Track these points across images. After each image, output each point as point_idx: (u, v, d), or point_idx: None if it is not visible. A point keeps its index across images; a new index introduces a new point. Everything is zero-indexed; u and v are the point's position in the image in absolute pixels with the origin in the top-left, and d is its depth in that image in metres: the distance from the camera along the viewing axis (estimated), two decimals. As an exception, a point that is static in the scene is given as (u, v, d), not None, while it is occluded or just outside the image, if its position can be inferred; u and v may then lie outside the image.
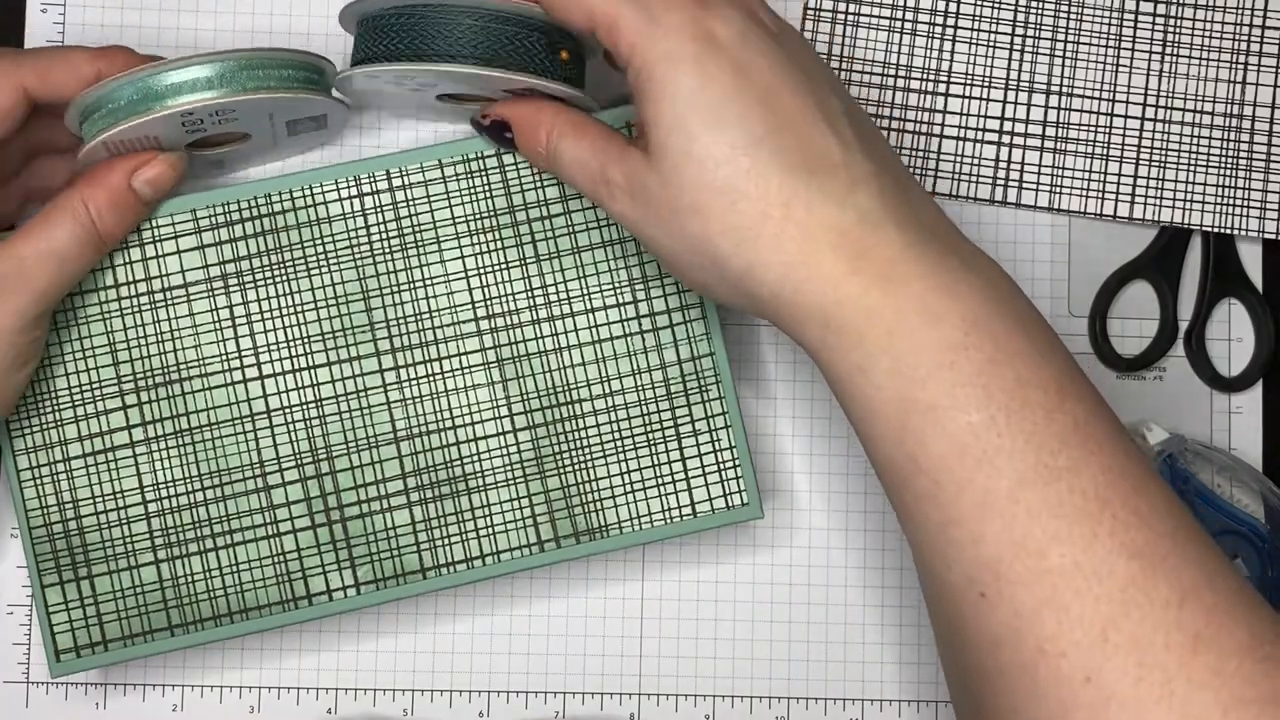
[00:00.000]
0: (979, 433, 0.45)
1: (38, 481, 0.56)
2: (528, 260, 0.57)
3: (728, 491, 0.57)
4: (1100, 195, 0.62)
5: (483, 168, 0.57)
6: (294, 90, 0.54)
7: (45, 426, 0.56)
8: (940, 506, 0.46)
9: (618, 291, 0.57)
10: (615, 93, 0.59)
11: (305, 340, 0.56)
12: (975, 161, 0.62)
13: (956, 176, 0.62)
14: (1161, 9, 0.62)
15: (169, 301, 0.56)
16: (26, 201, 0.58)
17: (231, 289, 0.56)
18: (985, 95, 0.62)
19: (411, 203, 0.57)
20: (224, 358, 0.56)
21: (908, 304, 0.46)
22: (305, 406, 0.56)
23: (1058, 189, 0.62)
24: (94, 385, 0.56)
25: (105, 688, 0.60)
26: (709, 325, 0.57)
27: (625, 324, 0.57)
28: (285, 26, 0.62)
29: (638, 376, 0.57)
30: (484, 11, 0.53)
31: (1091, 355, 0.62)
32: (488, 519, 0.57)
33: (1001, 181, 0.62)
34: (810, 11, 0.62)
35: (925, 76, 0.62)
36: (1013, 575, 0.45)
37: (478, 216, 0.57)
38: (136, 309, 0.56)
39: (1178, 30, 0.62)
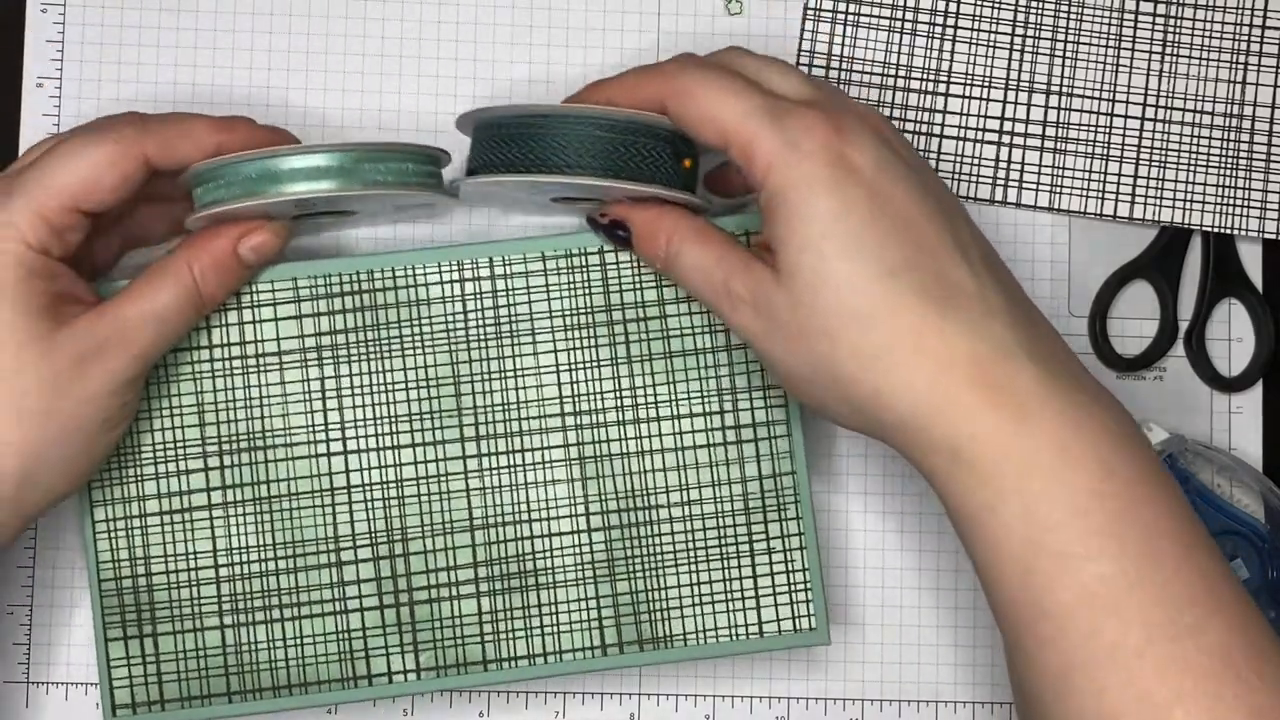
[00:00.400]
0: (1109, 582, 0.45)
1: (111, 535, 0.56)
2: (619, 360, 0.57)
3: (796, 614, 0.57)
4: (1100, 195, 0.62)
5: (584, 264, 0.57)
6: (410, 187, 0.54)
7: (125, 481, 0.56)
8: (1063, 654, 0.45)
9: (705, 401, 0.57)
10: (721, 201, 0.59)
11: (392, 419, 0.56)
12: (975, 161, 0.62)
13: (956, 176, 0.62)
14: (1161, 9, 0.62)
15: (261, 368, 0.56)
16: (124, 249, 0.58)
17: (325, 361, 0.56)
18: (985, 95, 0.62)
19: (510, 292, 0.57)
20: (310, 429, 0.56)
21: (1043, 444, 0.46)
22: (385, 486, 0.56)
23: (1058, 189, 0.62)
24: (178, 445, 0.56)
25: None
26: (793, 444, 0.57)
27: (710, 434, 0.57)
28: (285, 27, 0.62)
29: (717, 488, 0.57)
30: (609, 122, 0.53)
31: (1091, 355, 0.62)
32: (554, 617, 0.56)
33: (1001, 181, 0.62)
34: (810, 11, 0.62)
35: (925, 76, 0.62)
36: None
37: (574, 312, 0.57)
38: (229, 372, 0.56)
39: (1178, 30, 0.62)
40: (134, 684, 0.56)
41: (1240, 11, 0.62)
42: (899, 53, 0.62)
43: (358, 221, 0.60)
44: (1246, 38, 0.62)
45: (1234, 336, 0.63)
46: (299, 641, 0.56)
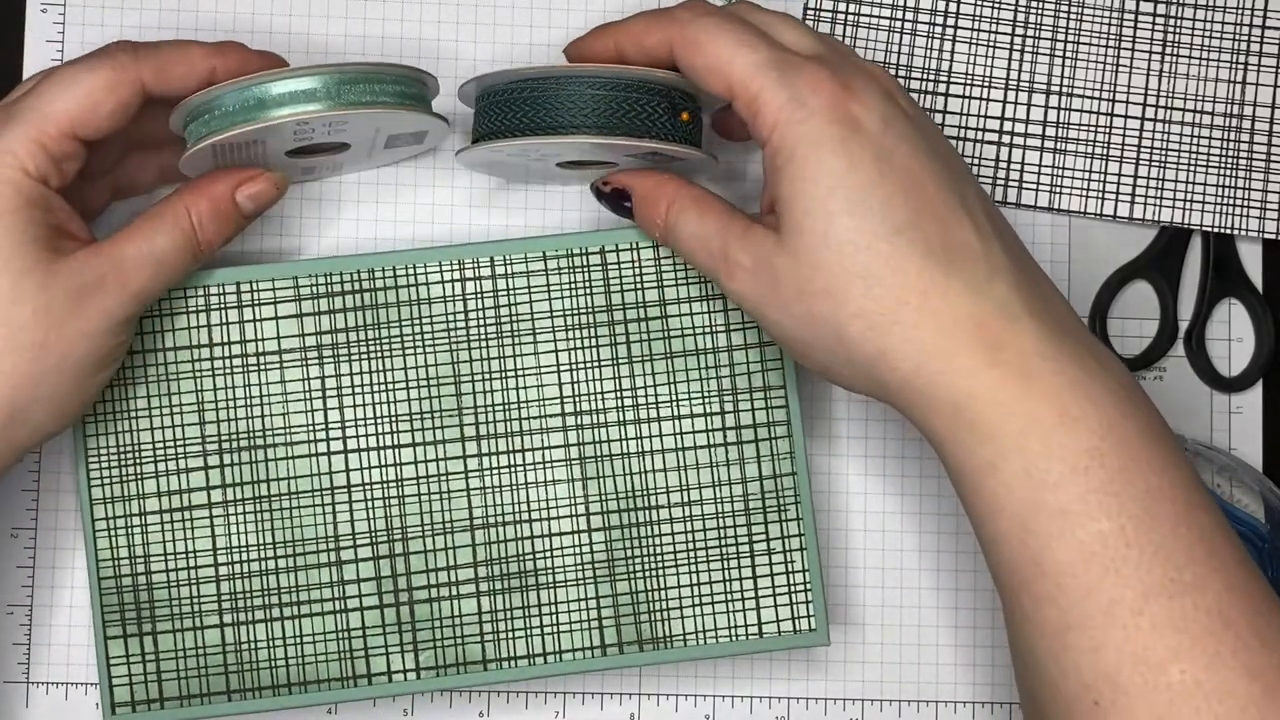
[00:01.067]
0: (1108, 541, 0.45)
1: (111, 534, 0.56)
2: (620, 360, 0.57)
3: (796, 615, 0.57)
4: (1100, 195, 0.62)
5: (585, 263, 0.57)
6: (406, 107, 0.54)
7: (125, 479, 0.56)
8: (1061, 611, 0.46)
9: (706, 401, 0.57)
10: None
11: (392, 419, 0.56)
12: (975, 161, 0.62)
13: None
14: (1161, 9, 0.62)
15: (262, 367, 0.56)
16: (113, 197, 0.58)
17: (325, 360, 0.56)
18: (985, 95, 0.62)
19: (512, 291, 0.57)
20: (310, 428, 0.56)
21: (1045, 403, 0.46)
22: (385, 485, 0.56)
23: (1058, 189, 0.62)
24: (178, 443, 0.56)
25: None
26: (793, 444, 0.57)
27: (710, 434, 0.57)
28: (285, 27, 0.62)
29: (717, 489, 0.57)
30: (605, 80, 0.53)
31: None
32: (554, 617, 0.56)
33: (1001, 181, 0.62)
34: (810, 11, 0.62)
35: (925, 76, 0.62)
36: (1131, 687, 0.45)
37: (575, 312, 0.57)
38: (229, 370, 0.56)
39: (1178, 30, 0.62)
40: (133, 682, 0.56)
41: (1240, 11, 0.62)
42: (898, 52, 0.62)
43: (346, 163, 0.59)
44: (1246, 38, 0.62)
45: (1234, 336, 0.63)
46: (298, 640, 0.56)
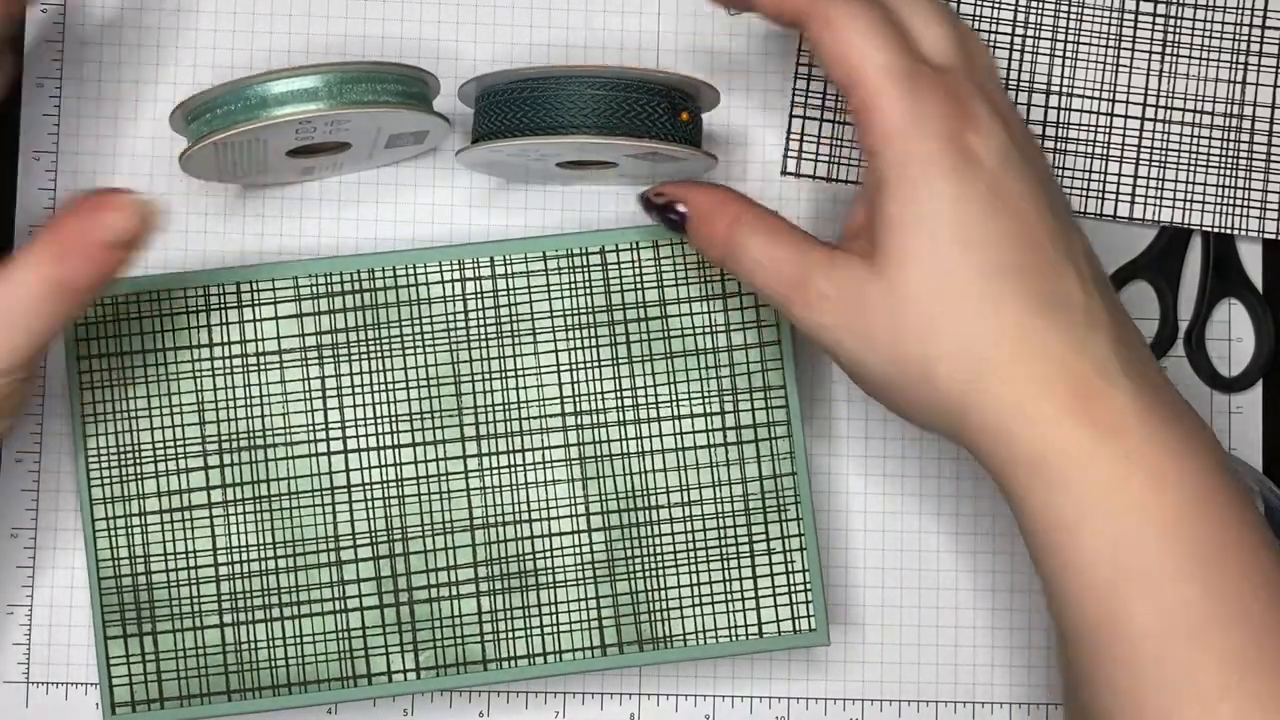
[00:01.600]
0: (1191, 608, 0.44)
1: (111, 534, 0.56)
2: (620, 360, 0.57)
3: (796, 615, 0.57)
4: (1100, 195, 0.62)
5: (585, 264, 0.57)
6: (408, 106, 0.54)
7: (125, 479, 0.56)
8: (1136, 676, 0.45)
9: (706, 401, 0.57)
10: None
11: (393, 419, 0.56)
12: None
13: None
14: (1161, 9, 0.62)
15: (262, 367, 0.56)
16: None
17: (325, 360, 0.56)
18: None
19: (511, 291, 0.57)
20: (310, 428, 0.56)
21: (1136, 466, 0.45)
22: (385, 485, 0.56)
23: None
24: (178, 443, 0.56)
25: None
26: (793, 445, 0.57)
27: (710, 434, 0.57)
28: (285, 27, 0.62)
29: (717, 489, 0.57)
30: (604, 80, 0.53)
31: None
32: (554, 617, 0.56)
33: None
34: None
35: None
36: None
37: (575, 312, 0.57)
38: (229, 371, 0.56)
39: (1178, 30, 0.62)
40: (133, 682, 0.56)
41: (1240, 11, 0.62)
42: None
43: (345, 163, 0.59)
44: (1246, 38, 0.62)
45: (1234, 336, 0.63)
46: (299, 640, 0.56)
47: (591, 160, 0.57)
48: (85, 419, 0.56)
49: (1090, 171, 0.62)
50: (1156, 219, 0.62)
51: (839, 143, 0.61)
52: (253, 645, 0.56)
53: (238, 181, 0.59)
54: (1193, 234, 0.63)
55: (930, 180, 0.46)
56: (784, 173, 0.61)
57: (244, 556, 0.56)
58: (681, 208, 0.53)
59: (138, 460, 0.56)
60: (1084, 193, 0.62)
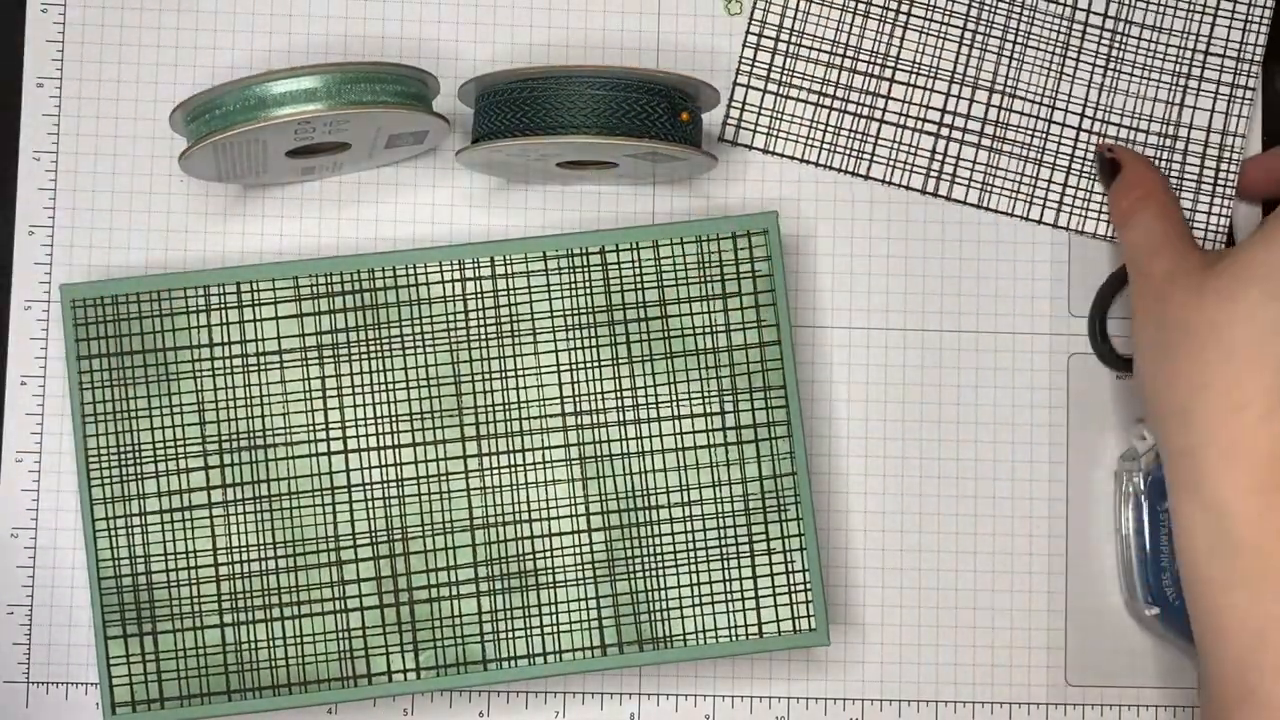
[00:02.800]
0: None
1: (112, 533, 0.56)
2: (620, 360, 0.57)
3: (796, 615, 0.57)
4: (1029, 199, 0.62)
5: (585, 263, 0.57)
6: (407, 106, 0.54)
7: (125, 479, 0.56)
8: None
9: (706, 401, 0.57)
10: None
11: (393, 419, 0.56)
12: (912, 150, 0.62)
13: (891, 163, 0.62)
14: (1110, 23, 0.62)
15: (262, 367, 0.56)
16: None
17: (325, 360, 0.56)
18: (930, 86, 0.62)
19: (512, 291, 0.57)
20: (310, 428, 0.56)
21: None
22: (385, 485, 0.56)
23: (989, 188, 0.62)
24: (178, 443, 0.56)
25: None
26: (794, 445, 0.57)
27: (710, 434, 0.57)
28: (285, 27, 0.62)
29: (717, 489, 0.57)
30: (605, 80, 0.53)
31: (1091, 355, 0.62)
32: (554, 617, 0.56)
33: (935, 174, 0.62)
34: None
35: (873, 60, 0.62)
36: None
37: (576, 312, 0.57)
38: (229, 371, 0.56)
39: (1123, 46, 0.62)
40: (134, 682, 0.56)
41: (1185, 35, 0.62)
42: (849, 33, 0.62)
43: (345, 164, 0.59)
44: (1189, 61, 0.62)
45: None
46: (299, 640, 0.56)
47: (591, 160, 0.57)
48: (85, 419, 0.56)
49: (1022, 174, 0.62)
50: (1081, 229, 0.62)
51: (779, 115, 0.61)
52: (253, 645, 0.56)
53: (237, 182, 0.59)
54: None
55: None
56: (721, 139, 0.61)
57: (244, 556, 0.56)
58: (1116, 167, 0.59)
59: (138, 460, 0.56)
60: (1014, 194, 0.62)
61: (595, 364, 0.57)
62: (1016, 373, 0.62)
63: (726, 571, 0.57)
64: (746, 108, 0.61)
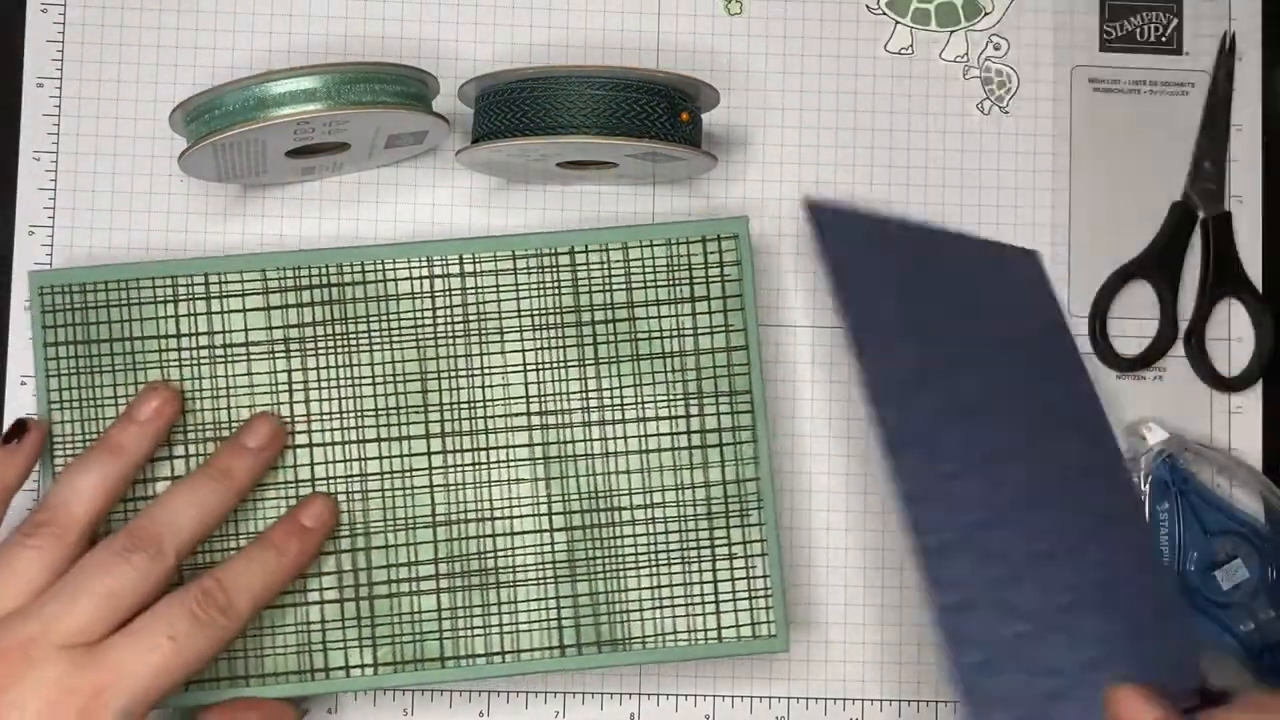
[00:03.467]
0: None
1: (75, 520, 0.56)
2: (586, 361, 0.57)
3: (756, 620, 0.57)
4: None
5: (554, 264, 0.57)
6: (406, 106, 0.54)
7: (90, 466, 0.56)
8: None
9: (671, 404, 0.57)
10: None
11: (358, 414, 0.57)
12: None
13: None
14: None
15: (229, 358, 0.56)
16: None
17: (292, 354, 0.57)
18: None
19: (480, 290, 0.57)
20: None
21: None
22: (349, 480, 0.56)
23: None
24: (144, 432, 0.56)
25: None
26: (758, 450, 0.57)
27: (675, 437, 0.57)
28: (285, 27, 0.62)
29: (680, 491, 0.57)
30: (604, 80, 0.53)
31: (1091, 355, 0.62)
32: (513, 616, 0.56)
33: None
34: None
35: None
36: None
37: (543, 312, 0.57)
38: (196, 361, 0.56)
39: None
40: (92, 670, 0.56)
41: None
42: None
43: (345, 163, 0.59)
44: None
45: (1234, 336, 0.63)
46: (258, 632, 0.56)
47: (591, 160, 0.57)
48: (52, 405, 0.56)
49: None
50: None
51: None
52: (212, 636, 0.56)
53: (237, 181, 0.60)
54: (1193, 233, 0.63)
55: None
56: None
57: (205, 546, 0.56)
58: None
59: (102, 448, 0.56)
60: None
61: (562, 364, 0.57)
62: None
63: (687, 575, 0.57)
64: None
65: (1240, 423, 0.62)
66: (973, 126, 0.63)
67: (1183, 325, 0.63)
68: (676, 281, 0.57)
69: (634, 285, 0.57)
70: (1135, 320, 0.63)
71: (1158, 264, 0.63)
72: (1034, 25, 0.64)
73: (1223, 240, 0.63)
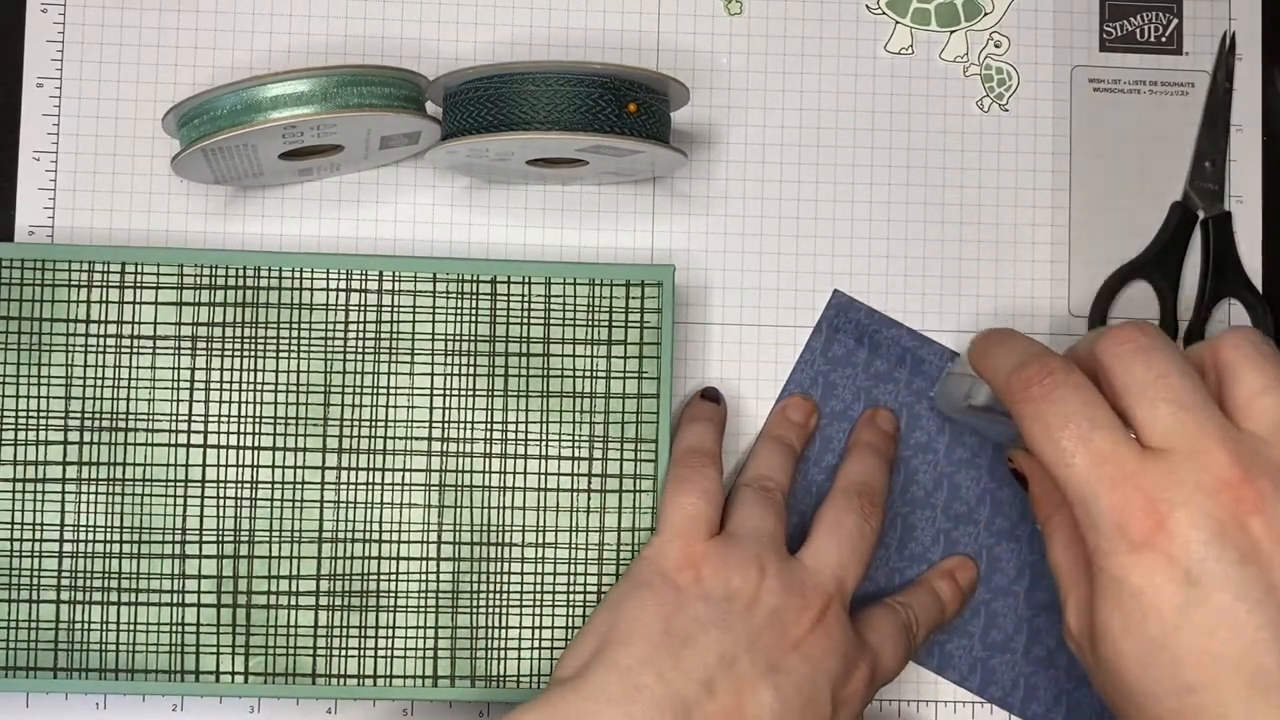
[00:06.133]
0: None
1: (-40, 495, 0.56)
2: (495, 392, 0.56)
3: (633, 672, 0.56)
4: None
5: (475, 290, 0.57)
6: (394, 108, 0.54)
7: (-18, 443, 0.56)
8: None
9: (575, 445, 0.56)
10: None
11: (256, 420, 0.56)
12: None
13: None
14: None
15: (135, 349, 0.56)
16: None
17: (198, 352, 0.56)
18: None
19: (396, 309, 0.57)
20: (173, 418, 0.56)
21: None
22: (239, 485, 0.56)
23: None
24: (40, 414, 0.56)
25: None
26: (657, 500, 0.56)
27: (575, 479, 0.56)
28: (285, 27, 0.62)
29: (574, 534, 0.56)
30: (543, 75, 0.53)
31: None
32: (389, 640, 0.56)
33: None
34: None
35: None
36: None
37: (457, 338, 0.57)
38: (101, 349, 0.56)
39: None
40: (-39, 646, 0.55)
41: None
42: None
43: (342, 164, 0.59)
44: None
45: None
46: (132, 628, 0.55)
47: (559, 158, 0.57)
48: (-47, 379, 0.56)
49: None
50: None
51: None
52: (85, 626, 0.55)
53: (235, 184, 0.59)
54: (1192, 233, 0.63)
55: (1120, 604, 0.46)
56: None
57: (89, 536, 0.56)
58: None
59: (-3, 426, 0.56)
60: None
61: (469, 392, 0.56)
62: (1016, 373, 0.61)
63: (571, 618, 0.56)
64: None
65: (1240, 423, 0.62)
66: (973, 127, 0.63)
67: (1183, 325, 0.62)
68: (595, 323, 0.57)
69: (552, 321, 0.57)
70: (1135, 320, 0.62)
71: (1158, 264, 0.62)
72: (1034, 25, 0.63)
73: (1223, 240, 0.62)
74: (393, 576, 0.56)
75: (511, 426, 0.56)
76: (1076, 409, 0.47)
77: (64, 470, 0.56)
